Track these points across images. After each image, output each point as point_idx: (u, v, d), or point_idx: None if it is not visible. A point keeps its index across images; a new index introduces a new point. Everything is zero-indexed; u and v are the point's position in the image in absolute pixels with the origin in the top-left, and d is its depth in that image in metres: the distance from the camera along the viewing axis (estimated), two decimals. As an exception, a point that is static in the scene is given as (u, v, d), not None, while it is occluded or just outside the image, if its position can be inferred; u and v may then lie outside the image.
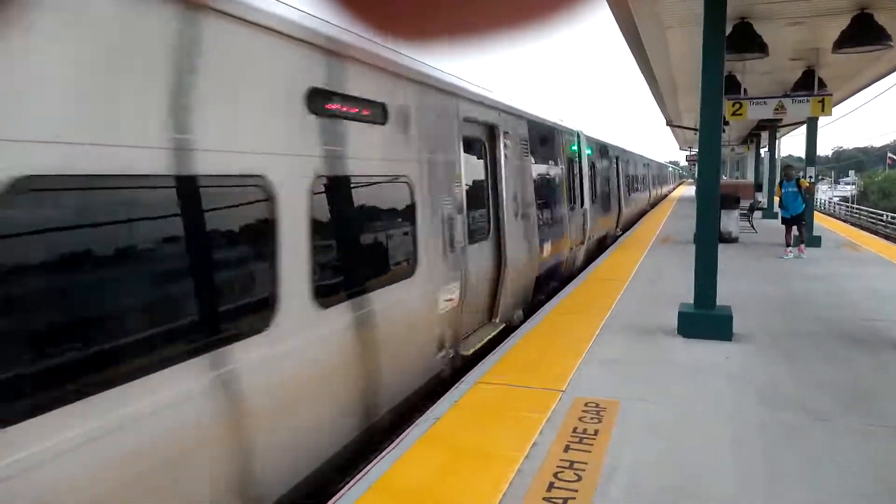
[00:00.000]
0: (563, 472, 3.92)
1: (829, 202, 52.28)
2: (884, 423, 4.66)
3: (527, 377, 5.69)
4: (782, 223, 13.67)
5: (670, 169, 52.46)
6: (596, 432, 4.50)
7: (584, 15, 0.68)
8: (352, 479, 3.98)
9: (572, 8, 0.67)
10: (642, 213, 27.50)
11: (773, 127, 23.40)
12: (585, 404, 5.03)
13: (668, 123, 29.64)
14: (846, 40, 9.76)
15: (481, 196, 7.87)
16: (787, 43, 11.84)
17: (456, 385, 5.56)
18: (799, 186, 13.28)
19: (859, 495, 3.68)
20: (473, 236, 7.32)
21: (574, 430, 4.53)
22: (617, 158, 19.97)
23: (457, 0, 0.66)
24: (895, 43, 9.89)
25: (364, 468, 4.09)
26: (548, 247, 10.34)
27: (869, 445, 4.30)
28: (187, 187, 3.40)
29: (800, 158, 32.33)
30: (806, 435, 4.49)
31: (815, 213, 18.88)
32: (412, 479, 3.90)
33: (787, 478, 3.88)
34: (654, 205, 34.53)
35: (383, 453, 4.26)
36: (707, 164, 7.29)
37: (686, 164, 64.17)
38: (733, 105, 14.18)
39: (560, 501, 3.60)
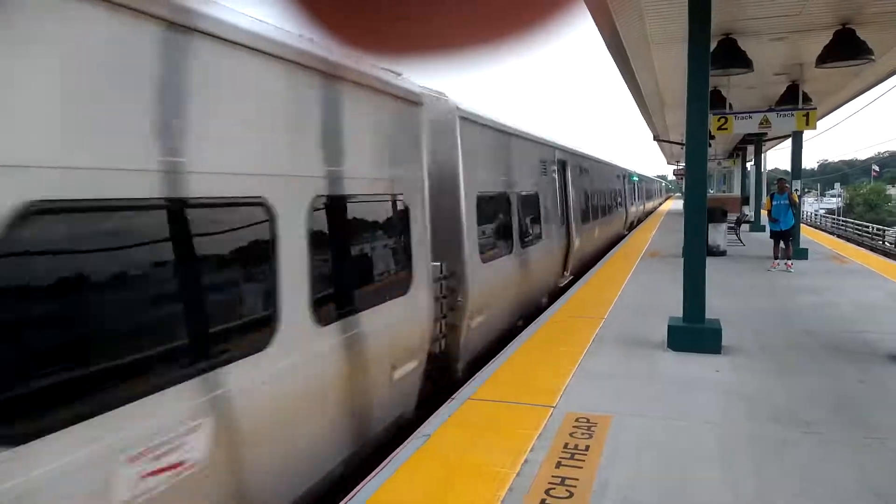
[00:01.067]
0: (554, 488, 3.89)
1: (816, 214, 52.74)
2: (875, 435, 4.66)
3: (518, 393, 5.67)
4: (771, 236, 13.74)
5: (640, 182, 46.13)
6: (587, 448, 4.47)
7: (568, 30, 0.67)
8: (342, 498, 3.93)
9: (555, 23, 0.66)
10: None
11: (758, 141, 23.60)
12: (577, 420, 5.01)
13: (656, 138, 29.85)
14: (829, 55, 9.89)
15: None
16: (771, 58, 11.97)
17: (447, 402, 5.53)
18: (791, 200, 13.31)
19: (851, 508, 3.67)
20: None
21: (565, 446, 4.50)
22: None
23: (434, 16, 0.66)
24: (876, 57, 10.05)
25: (355, 488, 4.04)
26: None
27: (860, 457, 4.31)
28: None
29: (786, 171, 32.52)
30: (797, 447, 4.49)
31: (802, 225, 18.91)
32: (402, 497, 3.86)
33: (780, 491, 3.87)
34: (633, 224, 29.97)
35: (374, 472, 4.21)
36: (694, 178, 7.34)
37: (674, 178, 64.49)
38: (719, 119, 14.27)
39: (552, 519, 3.56)
